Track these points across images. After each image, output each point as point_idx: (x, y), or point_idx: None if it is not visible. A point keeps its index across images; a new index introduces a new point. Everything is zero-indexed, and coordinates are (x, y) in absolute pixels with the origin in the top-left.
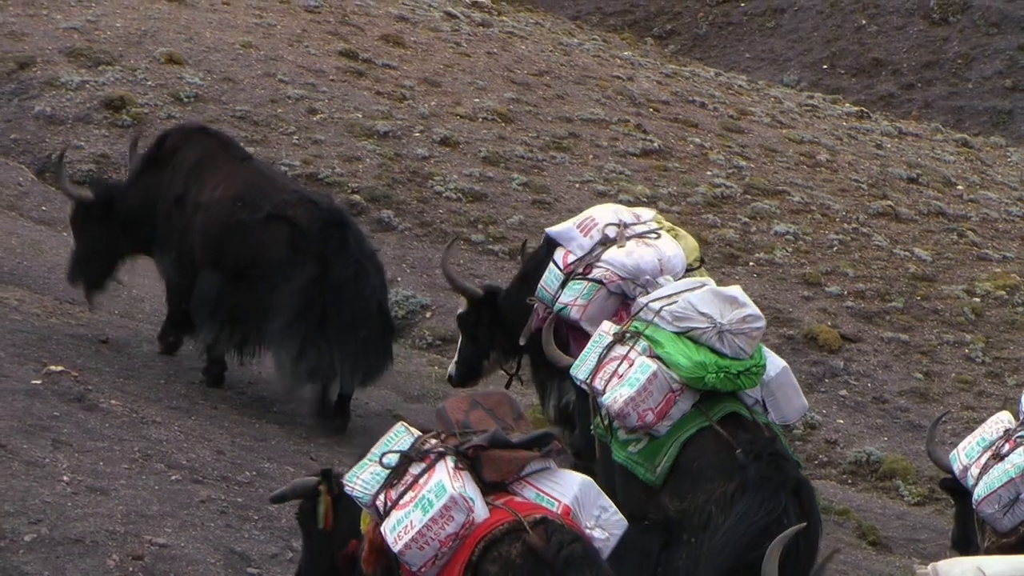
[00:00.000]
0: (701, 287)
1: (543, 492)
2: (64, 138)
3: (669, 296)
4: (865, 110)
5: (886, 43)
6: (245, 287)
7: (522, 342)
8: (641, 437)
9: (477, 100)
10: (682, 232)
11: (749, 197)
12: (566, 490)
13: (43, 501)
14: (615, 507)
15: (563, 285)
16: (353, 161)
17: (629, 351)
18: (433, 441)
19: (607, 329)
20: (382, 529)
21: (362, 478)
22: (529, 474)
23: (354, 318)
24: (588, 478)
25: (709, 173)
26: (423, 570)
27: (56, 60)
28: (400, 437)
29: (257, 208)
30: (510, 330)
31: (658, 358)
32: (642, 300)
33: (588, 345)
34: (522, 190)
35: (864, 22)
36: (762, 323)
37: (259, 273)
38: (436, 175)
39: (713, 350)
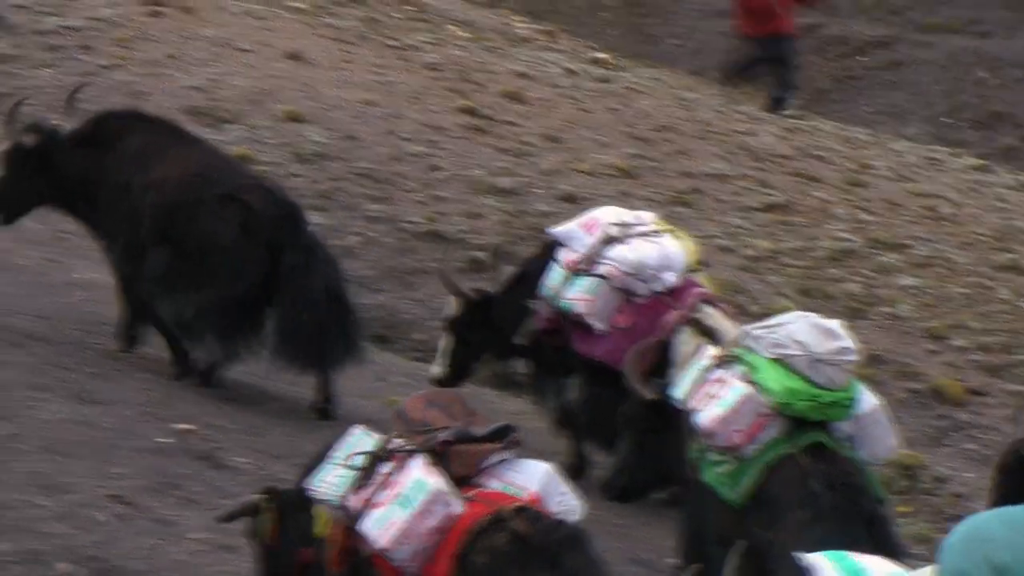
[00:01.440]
0: (804, 318)
1: (508, 483)
2: None
3: (771, 325)
4: (987, 163)
5: (1007, 96)
6: (193, 267)
7: (518, 341)
8: (729, 459)
9: (598, 156)
10: (682, 234)
11: (872, 251)
12: (531, 479)
13: (173, 559)
14: (571, 491)
15: (567, 283)
16: (476, 218)
17: (726, 374)
18: (399, 440)
19: (708, 353)
20: (361, 529)
21: (328, 481)
22: (491, 466)
23: (302, 308)
24: (548, 465)
25: (832, 227)
26: (409, 565)
27: (178, 118)
28: (362, 439)
29: (214, 188)
30: (504, 333)
31: (753, 382)
32: (744, 328)
33: (689, 368)
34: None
35: (984, 75)
36: (855, 356)
37: (207, 255)
38: None
39: (806, 379)
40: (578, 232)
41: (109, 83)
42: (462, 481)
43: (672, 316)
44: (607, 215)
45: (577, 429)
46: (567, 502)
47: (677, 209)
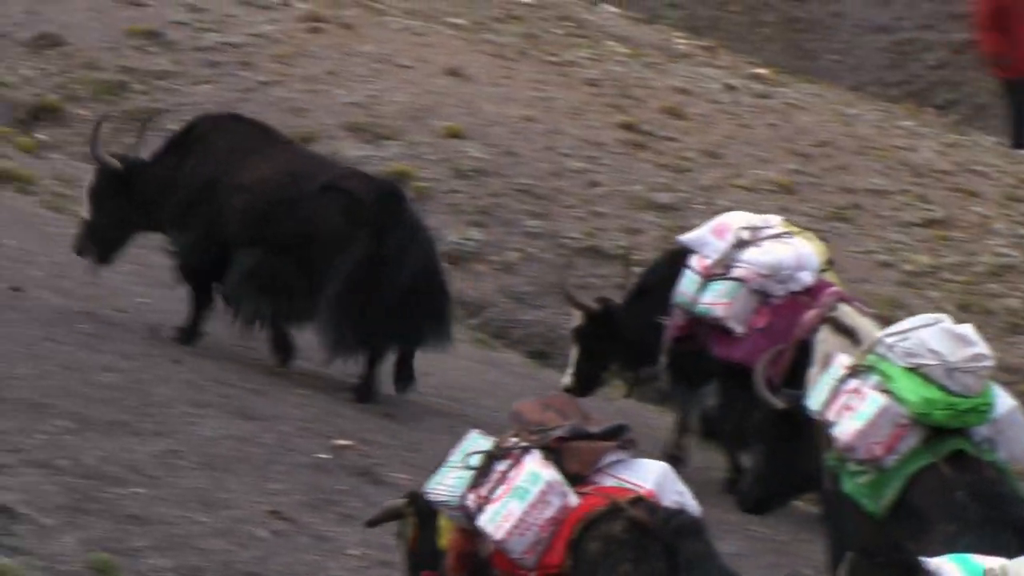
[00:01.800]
0: (935, 323)
1: (623, 480)
2: None
3: (903, 332)
4: None
5: None
6: (293, 260)
7: (664, 359)
8: (869, 469)
9: (758, 171)
10: (810, 235)
11: None
12: (646, 476)
13: (331, 575)
14: (689, 492)
15: (702, 288)
16: (635, 233)
17: (861, 385)
18: (514, 439)
19: (843, 362)
20: (478, 525)
21: (446, 483)
22: (606, 465)
23: (410, 288)
24: (665, 464)
25: (991, 242)
26: (526, 556)
27: (338, 135)
28: (477, 441)
29: (312, 181)
30: (630, 343)
31: (888, 392)
32: (877, 335)
33: (823, 377)
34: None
35: None
36: (990, 362)
37: (313, 244)
38: None
39: (942, 388)
40: (709, 237)
41: (268, 99)
42: (577, 479)
43: (810, 315)
44: (736, 219)
45: (721, 437)
46: (684, 501)
47: (836, 224)
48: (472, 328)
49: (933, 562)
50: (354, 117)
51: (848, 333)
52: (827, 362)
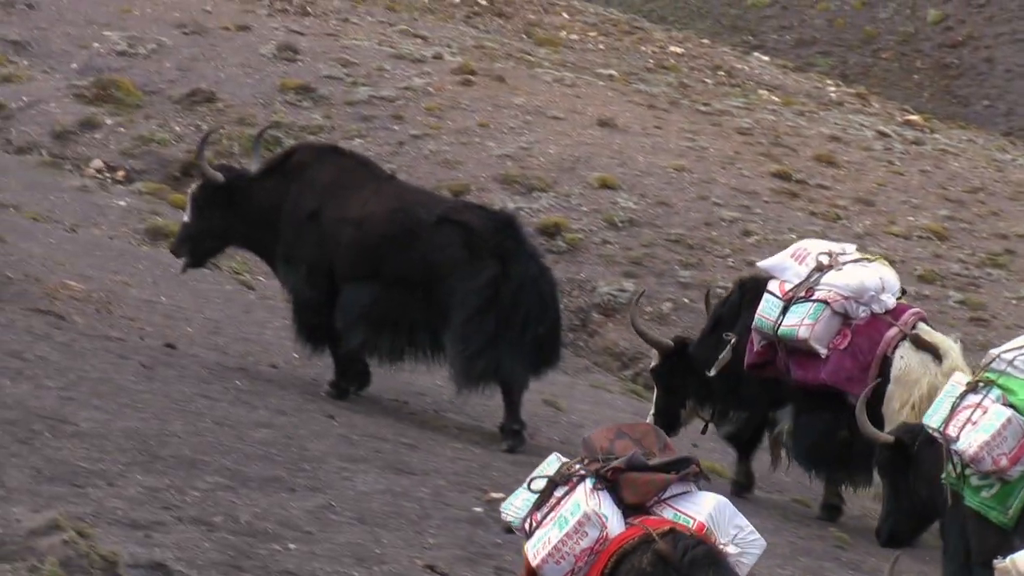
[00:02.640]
0: None
1: (680, 511)
2: None
3: (1021, 347)
4: None
5: None
6: (413, 295)
7: (712, 372)
8: (994, 482)
9: (911, 218)
10: (886, 262)
11: None
12: (701, 508)
13: None
14: (752, 527)
15: (784, 311)
16: None
17: (983, 399)
18: (577, 466)
19: (960, 380)
20: (525, 548)
21: (515, 504)
22: (670, 497)
23: (533, 315)
24: (723, 498)
25: None
26: None
27: (490, 187)
28: (551, 465)
29: (425, 214)
30: (705, 377)
31: (1012, 406)
32: (994, 351)
33: (940, 395)
34: (959, 307)
35: None
36: None
37: (433, 278)
38: None
39: None
40: (790, 262)
41: (420, 152)
42: (638, 509)
43: (891, 333)
44: (816, 245)
45: (798, 459)
46: (743, 536)
47: (990, 271)
48: (625, 379)
49: (1007, 559)
50: (506, 169)
51: (929, 349)
52: (906, 379)
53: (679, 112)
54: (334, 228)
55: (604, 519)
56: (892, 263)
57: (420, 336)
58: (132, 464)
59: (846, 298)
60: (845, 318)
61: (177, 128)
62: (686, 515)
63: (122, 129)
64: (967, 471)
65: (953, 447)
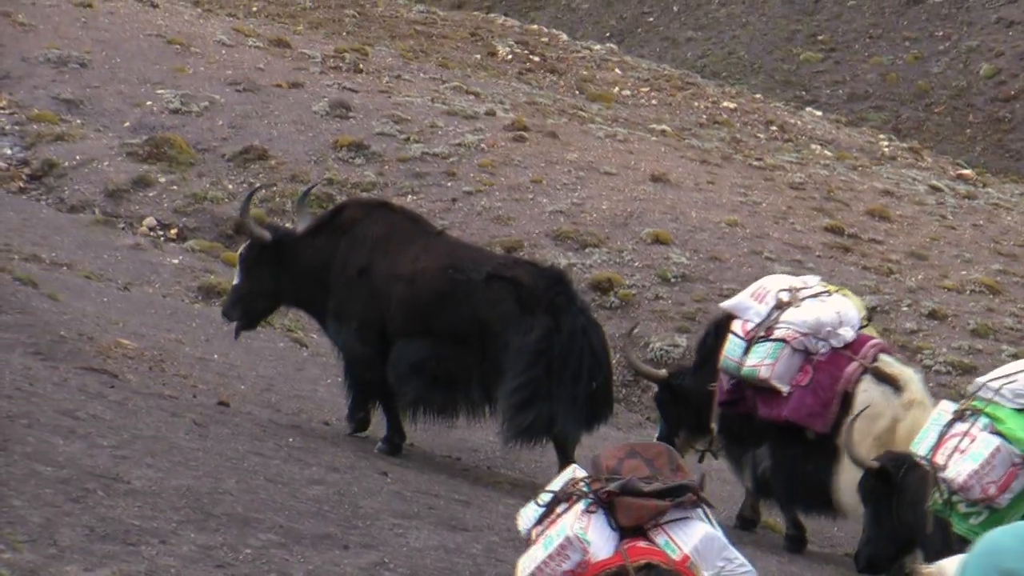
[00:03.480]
0: None
1: (672, 539)
2: None
3: (1008, 375)
4: None
5: None
6: (466, 350)
7: (713, 425)
8: (982, 510)
9: (964, 272)
10: (848, 292)
11: None
12: (689, 539)
13: None
14: (743, 559)
15: (746, 352)
16: None
17: (971, 427)
18: (581, 484)
19: (947, 408)
20: (519, 563)
21: (526, 515)
22: (667, 521)
23: (586, 369)
24: (713, 530)
25: None
26: None
27: (543, 243)
28: (564, 478)
29: (476, 271)
30: (696, 410)
31: (1000, 434)
32: (980, 380)
33: (927, 423)
34: (1012, 361)
35: None
36: None
37: (486, 333)
38: (925, 348)
39: None
40: (750, 302)
41: (473, 209)
42: (635, 531)
43: (851, 367)
44: (775, 282)
45: (776, 496)
46: (732, 568)
47: None
48: None
49: (934, 567)
50: (558, 225)
51: (889, 381)
52: (868, 413)
53: (732, 167)
54: (385, 284)
55: (586, 544)
56: (945, 318)
57: (473, 392)
58: (185, 522)
59: (804, 335)
60: (806, 354)
61: (230, 186)
62: (675, 544)
63: (175, 187)
64: (955, 498)
65: (942, 475)
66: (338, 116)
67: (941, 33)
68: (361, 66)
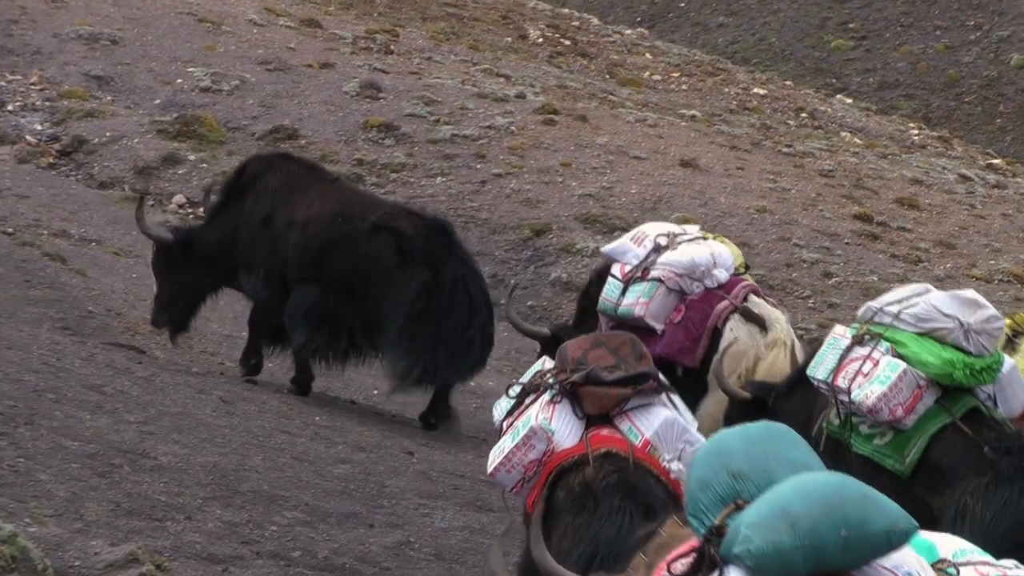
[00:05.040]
0: (930, 292)
1: (635, 426)
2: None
3: (903, 300)
4: None
5: None
6: (350, 298)
7: None
8: (886, 431)
9: (992, 262)
10: (725, 239)
11: None
12: (650, 424)
13: None
14: (703, 443)
15: (623, 292)
16: None
17: (872, 352)
18: (548, 376)
19: (842, 332)
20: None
21: (499, 408)
22: (631, 408)
23: (465, 318)
24: (674, 415)
25: None
26: (514, 491)
27: (571, 227)
28: (533, 370)
29: (362, 220)
30: None
31: (903, 358)
32: (874, 305)
33: (823, 347)
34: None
35: None
36: (1003, 322)
37: (368, 283)
38: None
39: (959, 348)
40: (629, 246)
41: (502, 191)
42: (601, 419)
43: (721, 305)
44: (655, 227)
45: None
46: (693, 451)
47: None
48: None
49: None
50: (588, 208)
51: (756, 321)
52: (734, 350)
53: (761, 153)
54: (284, 231)
55: (550, 434)
56: None
57: (358, 339)
58: (211, 498)
59: (679, 275)
60: (681, 294)
61: None
62: (637, 430)
63: (204, 165)
64: (855, 419)
65: (844, 398)
66: (368, 97)
67: (972, 22)
68: (392, 47)
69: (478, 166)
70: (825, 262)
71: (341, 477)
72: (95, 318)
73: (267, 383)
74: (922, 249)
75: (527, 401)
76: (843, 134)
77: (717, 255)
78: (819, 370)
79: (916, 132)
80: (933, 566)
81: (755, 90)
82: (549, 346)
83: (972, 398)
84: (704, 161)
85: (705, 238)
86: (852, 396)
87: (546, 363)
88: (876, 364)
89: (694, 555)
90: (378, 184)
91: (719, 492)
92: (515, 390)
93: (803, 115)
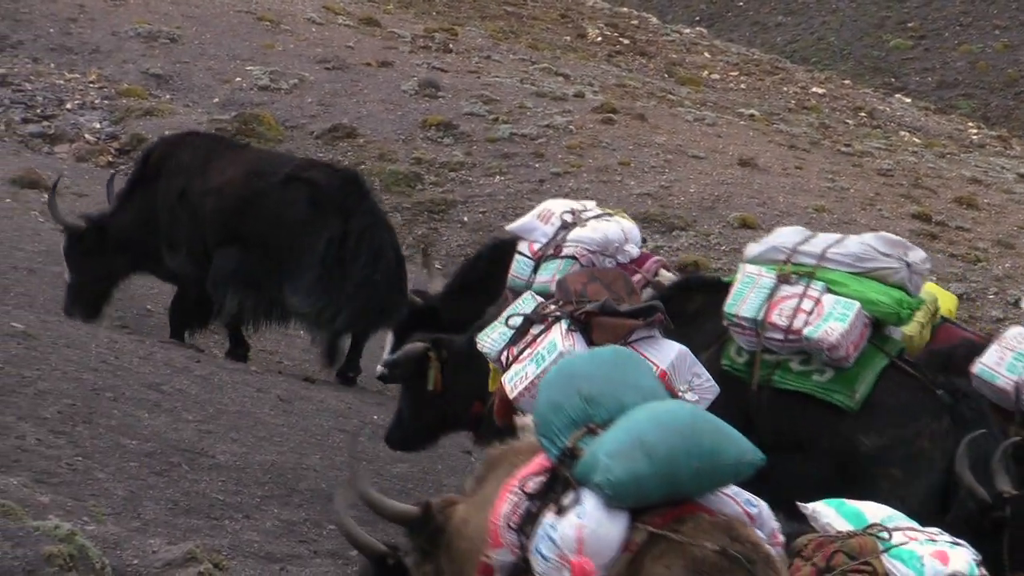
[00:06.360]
0: (819, 234)
1: (645, 356)
2: None
3: (825, 242)
4: None
5: None
6: (270, 254)
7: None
8: (825, 368)
9: None
10: (625, 214)
11: None
12: (664, 356)
13: None
14: (709, 376)
15: (535, 270)
16: None
17: (806, 290)
18: (552, 307)
19: (755, 271)
20: (502, 380)
21: (491, 337)
22: (635, 340)
23: (370, 265)
24: (683, 347)
25: None
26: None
27: None
28: (527, 303)
29: (275, 174)
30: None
31: (847, 296)
32: (786, 245)
33: (737, 285)
34: None
35: None
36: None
37: (284, 235)
38: None
39: (903, 288)
40: (536, 223)
41: (560, 190)
42: None
43: (635, 279)
44: (559, 205)
45: None
46: (700, 383)
47: None
48: None
49: (811, 506)
50: (646, 207)
51: None
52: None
53: (820, 152)
54: (200, 201)
55: None
56: None
57: (281, 294)
58: (269, 497)
59: (592, 252)
60: None
61: None
62: (650, 360)
63: None
64: (781, 357)
65: (777, 335)
66: (427, 96)
67: None
68: (451, 46)
69: (537, 165)
70: None
71: (399, 476)
72: (153, 316)
73: (325, 382)
74: (980, 248)
75: (534, 332)
76: (902, 133)
77: (627, 231)
78: (742, 307)
79: (975, 131)
80: (863, 531)
81: (814, 89)
82: (422, 317)
83: (898, 340)
84: (762, 160)
85: (610, 214)
86: (807, 333)
87: (536, 297)
88: (818, 303)
89: (546, 475)
90: (436, 183)
91: (571, 415)
92: (516, 320)
93: (862, 114)
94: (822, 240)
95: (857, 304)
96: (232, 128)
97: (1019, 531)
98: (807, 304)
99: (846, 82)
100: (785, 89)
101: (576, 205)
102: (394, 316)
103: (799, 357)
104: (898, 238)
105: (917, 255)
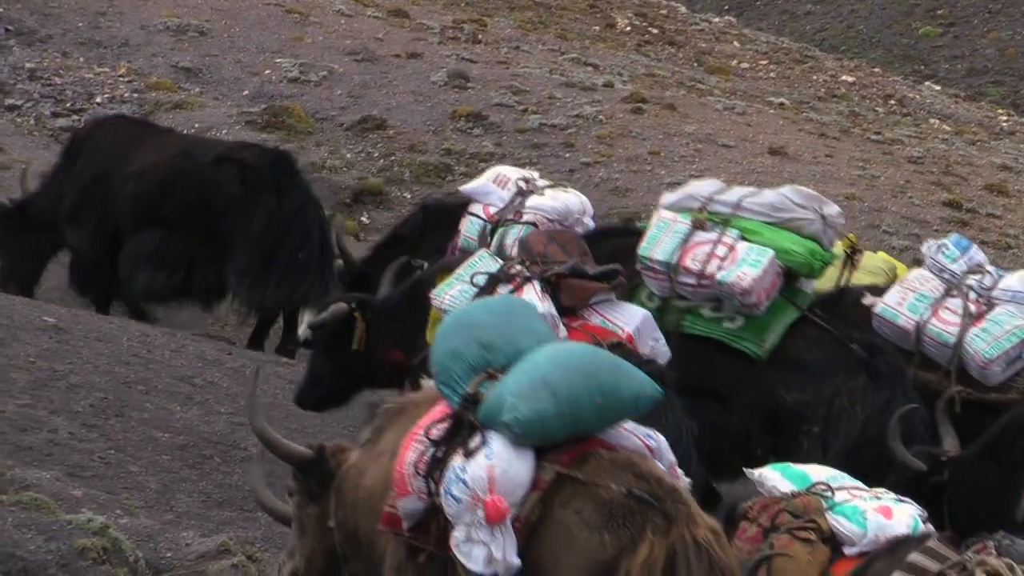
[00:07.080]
0: (733, 187)
1: (608, 319)
2: None
3: (741, 192)
4: None
5: None
6: (194, 233)
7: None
8: (736, 316)
9: None
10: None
11: None
12: (629, 320)
13: None
14: (664, 340)
15: (492, 233)
16: None
17: (720, 237)
18: (519, 267)
19: (671, 217)
20: None
21: (450, 294)
22: (596, 303)
23: (297, 243)
24: (646, 312)
25: None
26: None
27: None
28: (485, 261)
29: (204, 156)
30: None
31: (761, 244)
32: (702, 194)
33: (652, 229)
34: None
35: None
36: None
37: (213, 215)
38: None
39: (817, 240)
40: (492, 187)
41: (591, 180)
42: (569, 311)
43: None
44: (512, 171)
45: None
46: (658, 347)
47: None
48: None
49: (758, 471)
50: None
51: None
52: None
53: (850, 141)
54: (120, 186)
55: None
56: None
57: (207, 273)
58: None
59: (551, 220)
60: None
61: (348, 155)
62: (615, 324)
63: None
64: (693, 302)
65: (689, 279)
66: (456, 87)
67: None
68: (480, 37)
69: (567, 155)
70: (914, 249)
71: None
72: (184, 310)
73: None
74: (1011, 235)
75: (501, 291)
76: (932, 121)
77: (585, 203)
78: (655, 251)
79: (1005, 118)
80: (807, 490)
81: (843, 77)
82: (357, 279)
83: (809, 294)
84: (793, 149)
85: (565, 186)
86: (720, 278)
87: (492, 256)
88: (732, 249)
89: (449, 421)
90: (467, 173)
91: (470, 362)
92: (481, 279)
93: (891, 102)
94: (738, 191)
95: (771, 252)
96: (262, 121)
97: (958, 494)
98: (721, 250)
99: (876, 70)
100: (815, 77)
101: (527, 174)
102: (323, 295)
103: (710, 304)
104: (813, 192)
105: (832, 209)
